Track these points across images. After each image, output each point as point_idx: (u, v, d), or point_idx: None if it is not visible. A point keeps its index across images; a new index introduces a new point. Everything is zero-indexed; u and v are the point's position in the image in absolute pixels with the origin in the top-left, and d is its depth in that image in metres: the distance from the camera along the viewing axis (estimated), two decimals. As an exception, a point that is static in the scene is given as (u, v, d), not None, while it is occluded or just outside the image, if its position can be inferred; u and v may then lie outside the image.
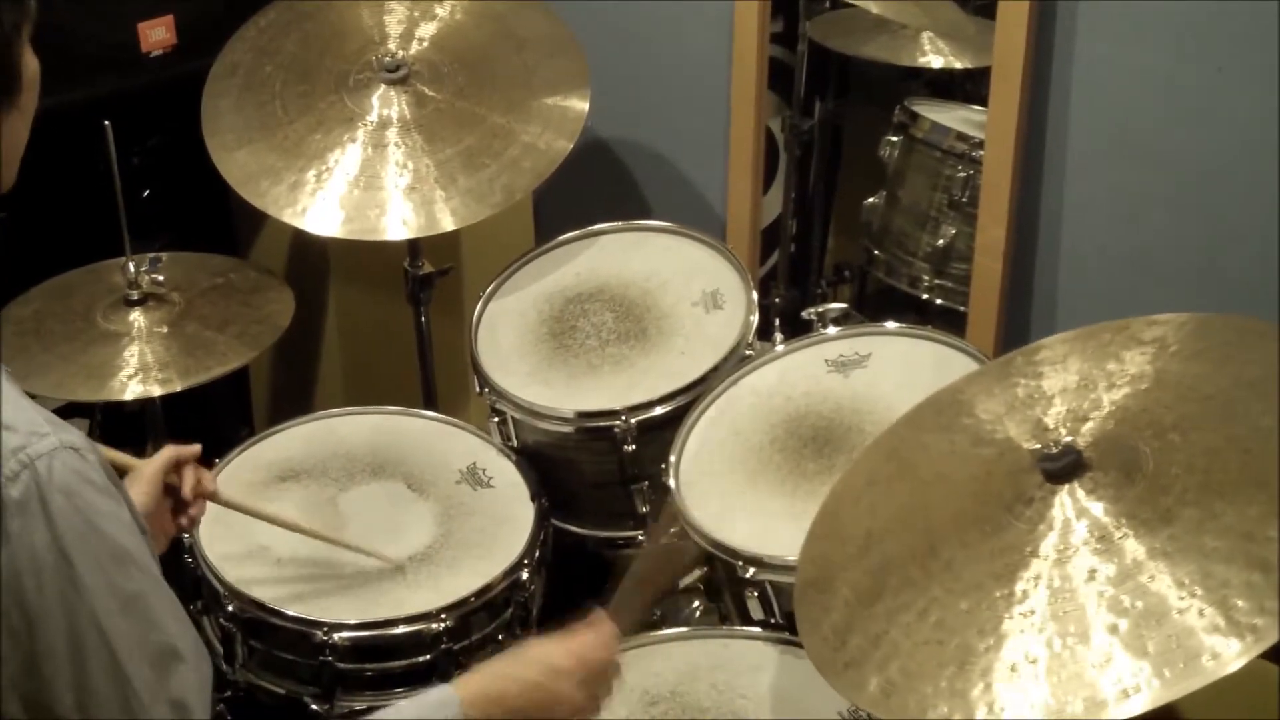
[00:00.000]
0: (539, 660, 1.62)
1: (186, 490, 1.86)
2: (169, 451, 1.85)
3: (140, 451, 2.05)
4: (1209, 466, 1.47)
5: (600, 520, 2.33)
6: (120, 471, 1.66)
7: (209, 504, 1.92)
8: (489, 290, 2.46)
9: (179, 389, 2.32)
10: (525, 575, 2.10)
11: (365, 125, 2.43)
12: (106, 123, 2.30)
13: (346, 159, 2.40)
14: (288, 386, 3.20)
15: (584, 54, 2.52)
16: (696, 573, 2.07)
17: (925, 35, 2.76)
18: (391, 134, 2.43)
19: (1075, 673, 1.37)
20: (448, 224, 2.37)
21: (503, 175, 2.40)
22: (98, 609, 1.32)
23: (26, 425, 1.32)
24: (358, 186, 2.39)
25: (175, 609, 1.40)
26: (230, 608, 2.03)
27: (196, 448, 1.88)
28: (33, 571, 1.30)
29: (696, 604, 2.20)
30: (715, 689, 1.87)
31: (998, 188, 2.43)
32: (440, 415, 2.39)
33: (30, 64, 1.41)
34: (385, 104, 2.45)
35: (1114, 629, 1.38)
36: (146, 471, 1.82)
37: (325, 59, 2.52)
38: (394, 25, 2.54)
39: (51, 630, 1.31)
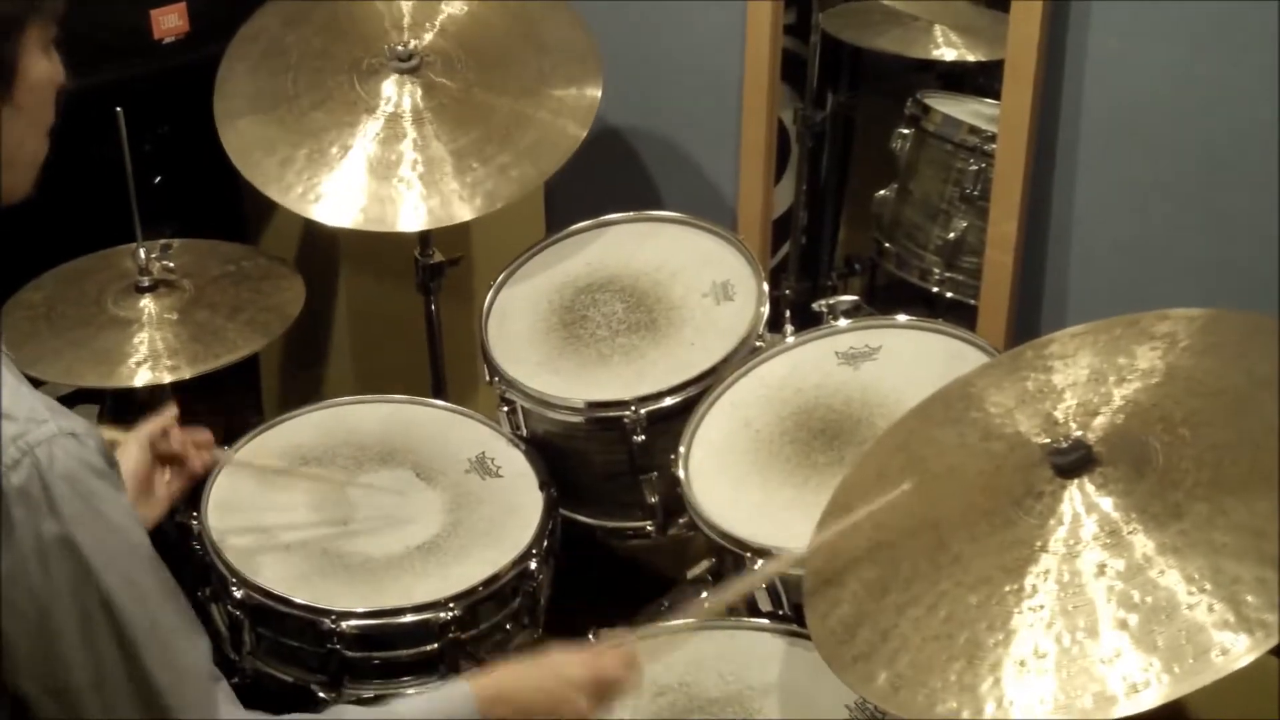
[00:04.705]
0: (555, 667, 1.65)
1: (178, 446, 1.93)
2: (153, 423, 1.92)
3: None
4: (1219, 462, 1.47)
5: (609, 510, 2.33)
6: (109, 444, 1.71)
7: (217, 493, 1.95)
8: (499, 279, 2.46)
9: (189, 376, 2.32)
10: (534, 565, 2.10)
11: (370, 111, 2.43)
12: (119, 109, 2.30)
13: (344, 143, 2.40)
14: (298, 374, 3.20)
15: (597, 43, 2.52)
16: (705, 564, 2.08)
17: (938, 28, 2.75)
18: (399, 122, 2.42)
19: (1084, 668, 1.37)
20: (463, 214, 2.37)
21: (516, 165, 2.40)
22: (105, 590, 1.34)
23: (26, 412, 1.33)
24: (355, 170, 2.39)
25: (172, 587, 1.43)
26: (238, 595, 2.03)
27: (172, 409, 1.95)
28: (39, 559, 1.32)
29: (705, 595, 2.20)
30: (723, 679, 1.87)
31: (1009, 181, 2.43)
32: (450, 404, 2.39)
33: (37, 65, 1.39)
34: (396, 92, 2.45)
35: (1123, 624, 1.38)
36: (136, 438, 1.88)
37: (344, 38, 2.51)
38: (412, 11, 2.53)
39: (62, 614, 1.34)
